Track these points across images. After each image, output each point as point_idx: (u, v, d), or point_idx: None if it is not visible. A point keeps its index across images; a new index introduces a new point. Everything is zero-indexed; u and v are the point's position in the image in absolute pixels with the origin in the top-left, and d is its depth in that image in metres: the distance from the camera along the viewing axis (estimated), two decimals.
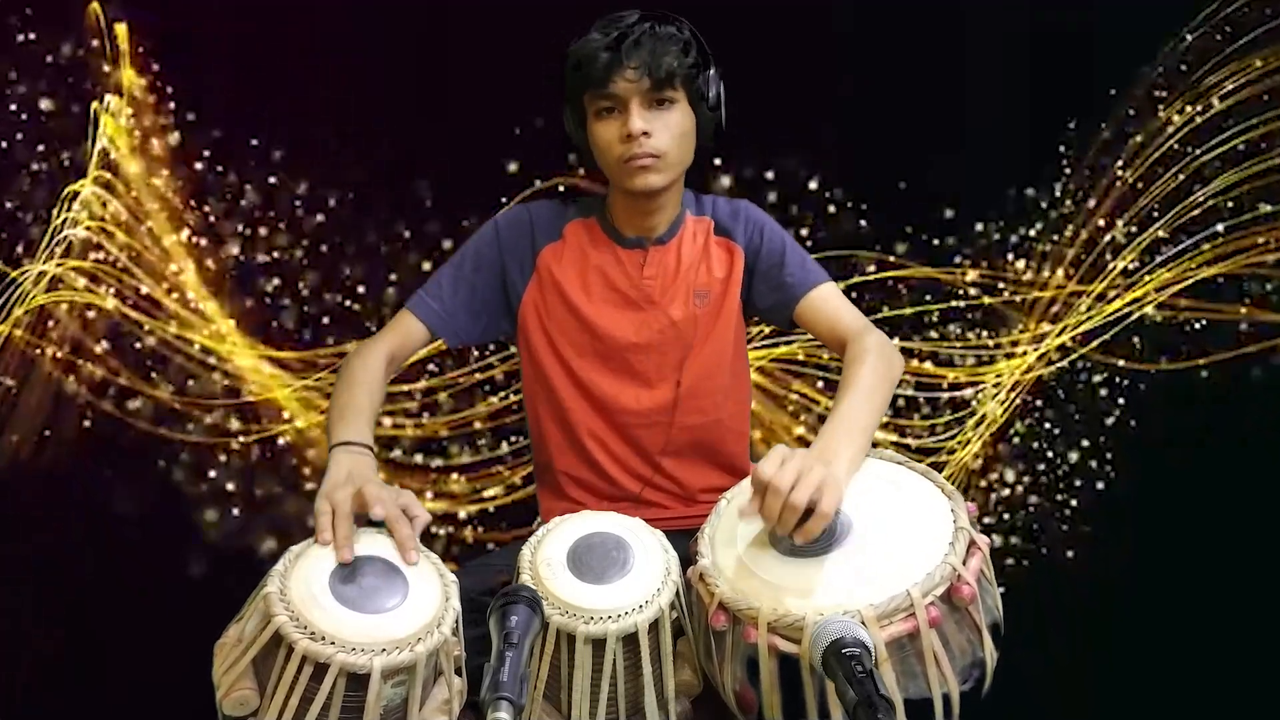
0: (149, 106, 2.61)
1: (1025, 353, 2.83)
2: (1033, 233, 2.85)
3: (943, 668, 1.15)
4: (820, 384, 2.88)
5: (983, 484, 2.88)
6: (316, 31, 2.55)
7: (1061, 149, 2.84)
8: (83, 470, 2.59)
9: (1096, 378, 2.84)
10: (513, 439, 2.84)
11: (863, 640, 1.04)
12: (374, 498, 1.27)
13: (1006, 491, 2.88)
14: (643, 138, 1.51)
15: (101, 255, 2.59)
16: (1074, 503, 2.85)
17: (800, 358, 2.87)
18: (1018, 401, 2.86)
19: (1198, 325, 2.76)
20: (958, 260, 2.86)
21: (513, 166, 2.72)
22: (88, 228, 2.55)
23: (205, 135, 2.64)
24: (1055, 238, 2.84)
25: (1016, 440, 2.88)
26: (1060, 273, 2.84)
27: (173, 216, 2.66)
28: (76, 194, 2.54)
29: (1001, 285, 2.85)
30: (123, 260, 2.59)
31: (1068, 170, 2.83)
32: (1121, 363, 2.81)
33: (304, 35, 2.54)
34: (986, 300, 2.86)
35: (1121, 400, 2.83)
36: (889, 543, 1.22)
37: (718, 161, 2.66)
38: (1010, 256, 2.86)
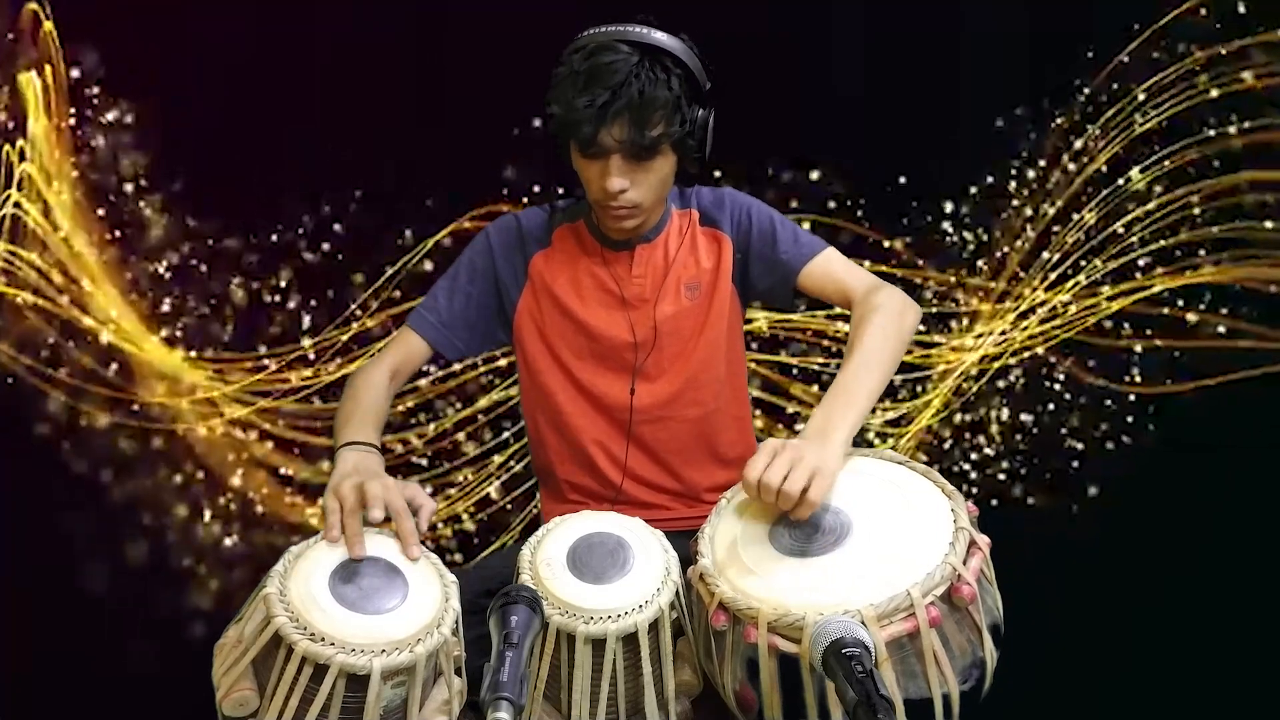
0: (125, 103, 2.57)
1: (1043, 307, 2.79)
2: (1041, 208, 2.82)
3: (943, 668, 1.15)
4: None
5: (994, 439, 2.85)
6: (311, 33, 2.53)
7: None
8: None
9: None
10: (510, 425, 2.82)
11: (863, 640, 1.04)
12: (373, 497, 1.27)
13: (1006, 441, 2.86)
14: (620, 195, 1.51)
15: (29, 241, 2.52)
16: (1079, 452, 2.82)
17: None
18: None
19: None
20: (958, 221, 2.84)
21: (509, 172, 2.71)
22: (26, 213, 2.50)
23: (192, 136, 2.58)
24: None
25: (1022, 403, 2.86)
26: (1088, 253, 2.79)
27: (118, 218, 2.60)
28: (20, 178, 2.47)
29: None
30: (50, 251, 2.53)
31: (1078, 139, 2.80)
32: (1148, 331, 2.77)
33: (298, 37, 2.52)
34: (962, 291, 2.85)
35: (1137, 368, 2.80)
36: (889, 542, 1.22)
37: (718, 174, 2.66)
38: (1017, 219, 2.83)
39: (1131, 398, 2.78)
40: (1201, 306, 2.72)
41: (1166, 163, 2.71)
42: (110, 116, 2.58)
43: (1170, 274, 2.73)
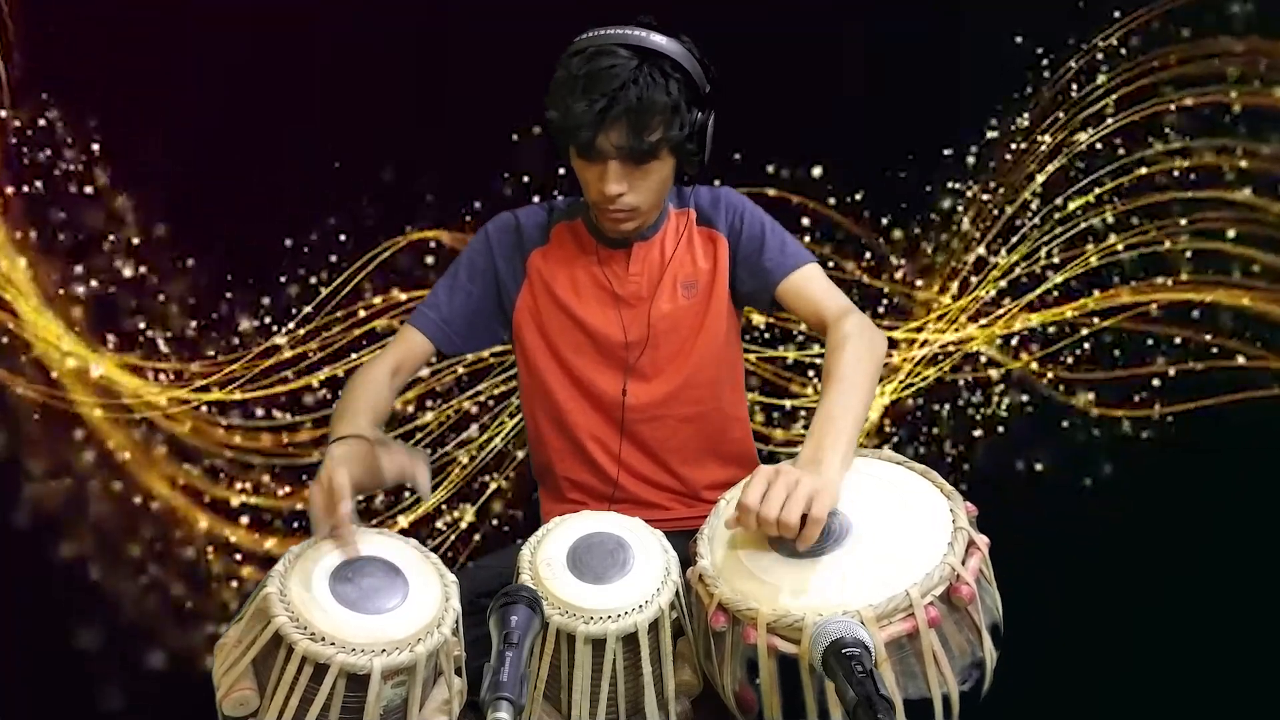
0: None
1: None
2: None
3: (942, 668, 1.16)
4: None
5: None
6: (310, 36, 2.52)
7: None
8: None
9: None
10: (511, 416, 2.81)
11: (862, 640, 1.04)
12: (339, 487, 1.24)
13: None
14: (618, 198, 1.52)
15: None
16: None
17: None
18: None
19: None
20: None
21: (508, 179, 2.71)
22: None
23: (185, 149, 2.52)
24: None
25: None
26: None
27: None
28: None
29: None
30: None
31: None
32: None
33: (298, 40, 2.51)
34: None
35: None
36: (888, 543, 1.22)
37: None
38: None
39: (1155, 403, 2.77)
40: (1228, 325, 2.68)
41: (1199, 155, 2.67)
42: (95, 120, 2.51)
43: (1201, 285, 2.69)
